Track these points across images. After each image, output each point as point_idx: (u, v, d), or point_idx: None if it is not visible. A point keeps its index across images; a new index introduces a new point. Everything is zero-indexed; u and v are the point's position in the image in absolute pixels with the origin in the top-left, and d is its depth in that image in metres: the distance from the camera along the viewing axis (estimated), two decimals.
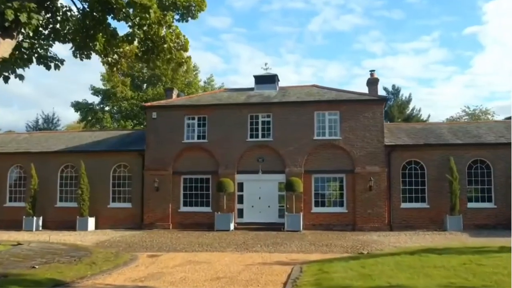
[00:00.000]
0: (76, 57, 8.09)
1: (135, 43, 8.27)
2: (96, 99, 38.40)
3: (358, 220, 20.28)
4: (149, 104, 23.72)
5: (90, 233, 20.20)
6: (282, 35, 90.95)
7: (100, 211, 22.09)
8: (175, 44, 8.25)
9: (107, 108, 37.76)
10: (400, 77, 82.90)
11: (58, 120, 44.80)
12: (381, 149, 20.64)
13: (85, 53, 8.09)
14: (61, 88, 77.84)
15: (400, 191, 20.63)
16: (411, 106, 40.15)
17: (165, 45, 8.09)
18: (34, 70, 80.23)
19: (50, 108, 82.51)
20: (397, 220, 20.45)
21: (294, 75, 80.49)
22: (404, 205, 20.61)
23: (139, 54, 8.47)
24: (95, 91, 37.44)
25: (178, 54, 8.43)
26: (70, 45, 7.99)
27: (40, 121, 43.82)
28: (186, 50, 8.46)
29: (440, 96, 72.55)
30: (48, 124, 43.69)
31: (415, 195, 20.69)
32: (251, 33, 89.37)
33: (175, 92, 26.07)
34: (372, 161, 20.59)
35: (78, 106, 37.05)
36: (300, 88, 24.10)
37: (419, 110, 40.23)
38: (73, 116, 51.76)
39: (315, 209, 20.66)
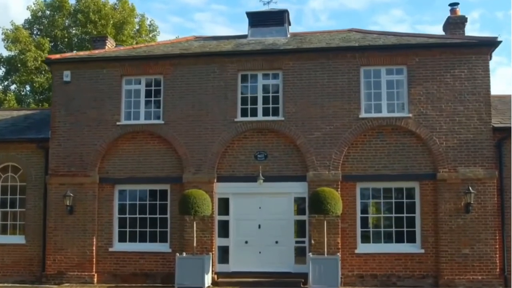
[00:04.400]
0: None
1: None
2: None
3: (444, 267, 15.94)
4: (58, 56, 19.04)
5: None
6: None
7: None
8: None
9: (13, 87, 33.50)
10: None
11: None
12: (487, 136, 16.10)
13: None
14: None
15: None
16: None
17: None
18: None
19: None
20: None
21: None
22: None
23: None
24: None
25: None
26: None
27: None
28: None
29: None
30: None
31: None
32: (234, 12, 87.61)
33: (110, 43, 20.29)
34: (470, 158, 16.15)
35: None
36: (328, 34, 18.90)
37: None
38: None
39: (362, 248, 16.64)
